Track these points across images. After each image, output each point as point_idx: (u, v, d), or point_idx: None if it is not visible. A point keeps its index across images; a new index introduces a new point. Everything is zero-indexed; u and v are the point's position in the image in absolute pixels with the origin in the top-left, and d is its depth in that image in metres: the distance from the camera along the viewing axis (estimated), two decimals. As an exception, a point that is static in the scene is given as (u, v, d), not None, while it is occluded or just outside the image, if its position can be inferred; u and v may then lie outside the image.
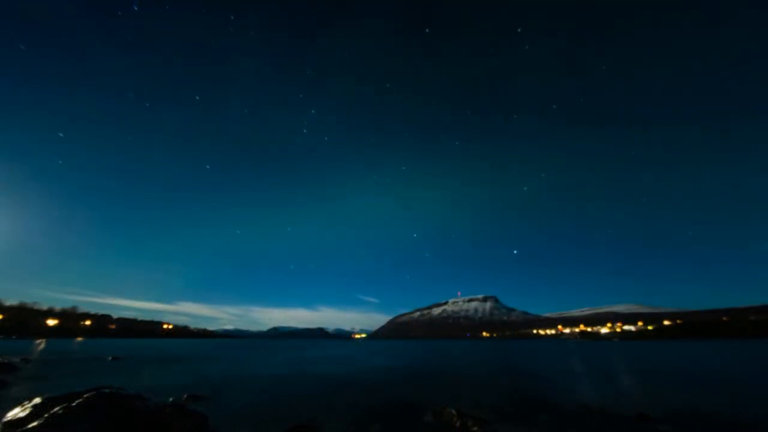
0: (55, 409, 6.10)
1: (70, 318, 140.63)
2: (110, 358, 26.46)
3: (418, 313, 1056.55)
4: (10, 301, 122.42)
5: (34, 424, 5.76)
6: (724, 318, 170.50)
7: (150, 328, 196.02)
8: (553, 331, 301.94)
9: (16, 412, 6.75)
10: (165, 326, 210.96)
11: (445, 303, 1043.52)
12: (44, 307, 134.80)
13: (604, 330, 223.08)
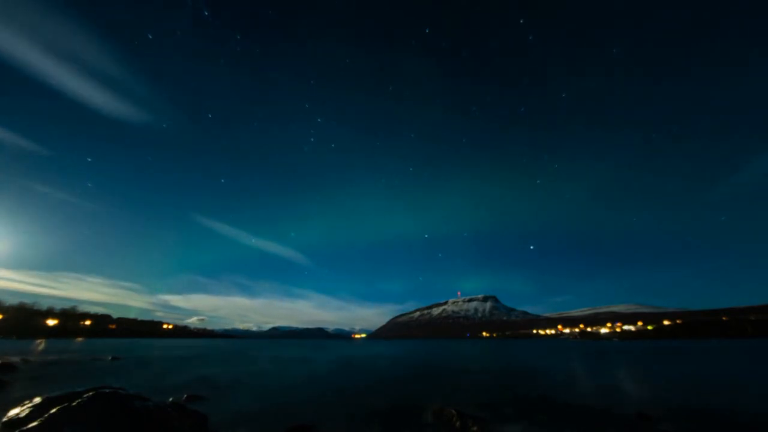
0: (55, 409, 6.10)
1: (70, 318, 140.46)
2: (110, 358, 26.43)
3: (418, 313, 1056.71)
4: (10, 301, 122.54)
5: (34, 424, 5.76)
6: (724, 318, 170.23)
7: (150, 328, 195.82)
8: (552, 331, 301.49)
9: (16, 412, 6.76)
10: (165, 326, 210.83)
11: (445, 303, 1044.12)
12: (44, 307, 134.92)
13: (604, 330, 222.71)
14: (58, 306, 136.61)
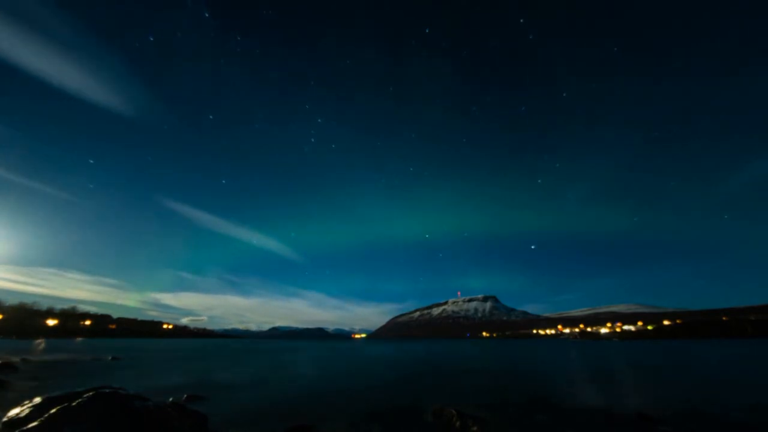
0: (55, 409, 6.10)
1: (70, 318, 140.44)
2: (110, 358, 26.45)
3: (417, 313, 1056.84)
4: (10, 301, 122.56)
5: (34, 424, 5.76)
6: (724, 318, 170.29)
7: (150, 328, 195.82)
8: (552, 331, 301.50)
9: (16, 412, 6.76)
10: (165, 326, 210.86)
11: (445, 303, 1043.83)
12: (44, 307, 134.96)
13: (604, 330, 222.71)
14: (38, 303, 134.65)
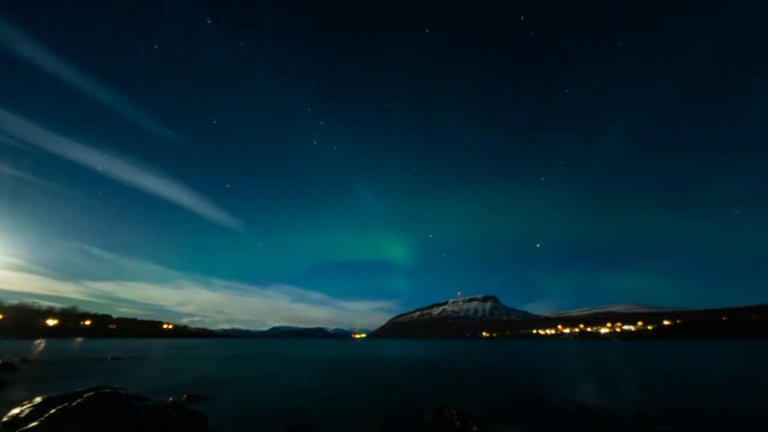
0: (55, 409, 6.10)
1: (70, 318, 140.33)
2: (110, 358, 26.45)
3: (417, 313, 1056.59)
4: (10, 301, 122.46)
5: (34, 424, 5.76)
6: (724, 318, 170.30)
7: (150, 328, 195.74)
8: (552, 331, 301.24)
9: (16, 412, 6.76)
10: (165, 326, 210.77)
11: (445, 303, 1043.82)
12: (44, 307, 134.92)
13: (604, 330, 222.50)
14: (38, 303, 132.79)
